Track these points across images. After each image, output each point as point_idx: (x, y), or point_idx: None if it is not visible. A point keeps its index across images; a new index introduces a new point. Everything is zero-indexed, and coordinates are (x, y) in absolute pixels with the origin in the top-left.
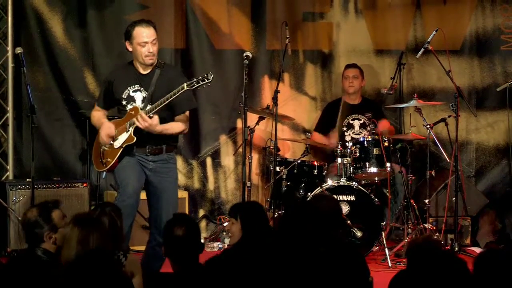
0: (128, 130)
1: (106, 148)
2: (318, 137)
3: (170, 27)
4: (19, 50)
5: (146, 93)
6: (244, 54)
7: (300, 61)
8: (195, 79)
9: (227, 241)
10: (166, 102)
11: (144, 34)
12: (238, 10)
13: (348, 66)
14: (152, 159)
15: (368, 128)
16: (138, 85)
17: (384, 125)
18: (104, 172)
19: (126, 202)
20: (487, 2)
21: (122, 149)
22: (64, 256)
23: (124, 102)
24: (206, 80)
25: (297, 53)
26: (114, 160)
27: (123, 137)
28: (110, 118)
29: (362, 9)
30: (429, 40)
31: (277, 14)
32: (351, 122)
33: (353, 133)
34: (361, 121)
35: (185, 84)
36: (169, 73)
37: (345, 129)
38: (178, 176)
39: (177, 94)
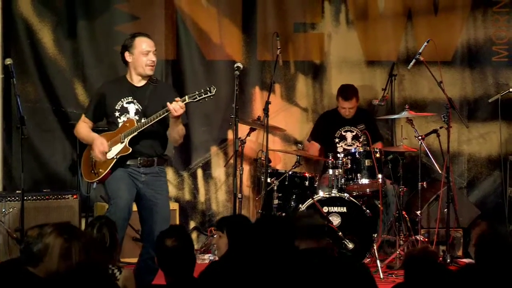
0: (123, 141)
1: (94, 159)
2: (314, 149)
3: (161, 38)
4: (8, 61)
5: (139, 105)
6: (235, 65)
7: (291, 72)
8: (197, 92)
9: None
10: (165, 114)
11: (147, 44)
12: (229, 21)
13: (344, 97)
14: (144, 171)
15: (361, 140)
16: (131, 97)
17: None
18: (95, 183)
19: (118, 215)
20: (479, 13)
21: (115, 159)
22: (45, 267)
23: (117, 114)
24: (209, 93)
25: (288, 64)
26: (107, 171)
27: (117, 148)
28: (99, 131)
29: (354, 20)
30: (420, 51)
31: (268, 25)
32: (343, 133)
33: (345, 144)
34: (354, 133)
35: (187, 96)
36: (162, 89)
37: (337, 140)
38: (168, 189)
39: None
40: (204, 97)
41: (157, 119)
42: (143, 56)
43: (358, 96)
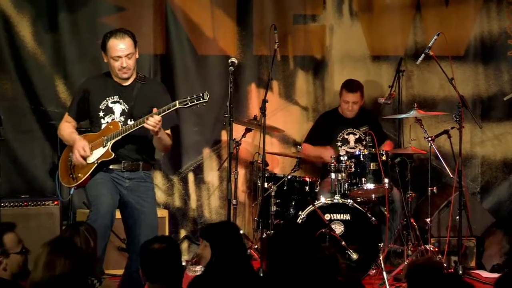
0: (105, 145)
1: (74, 163)
2: (309, 149)
3: (149, 31)
4: None
5: (126, 105)
6: (229, 60)
7: (290, 68)
8: (189, 97)
9: None
10: (140, 126)
11: (118, 47)
12: (222, 13)
13: (349, 89)
14: (128, 176)
15: (364, 143)
16: (117, 96)
17: (387, 147)
18: (73, 188)
19: (99, 222)
20: (493, 4)
21: (96, 164)
22: (31, 277)
23: (101, 114)
24: (201, 99)
25: (287, 59)
26: (86, 176)
27: (98, 152)
28: (82, 131)
29: (358, 12)
30: (430, 45)
31: (265, 16)
32: (346, 136)
33: (348, 148)
34: (357, 136)
35: (177, 102)
36: (151, 87)
37: (339, 144)
38: (155, 195)
39: (167, 112)
40: (196, 104)
41: (135, 128)
42: (114, 61)
43: (363, 92)
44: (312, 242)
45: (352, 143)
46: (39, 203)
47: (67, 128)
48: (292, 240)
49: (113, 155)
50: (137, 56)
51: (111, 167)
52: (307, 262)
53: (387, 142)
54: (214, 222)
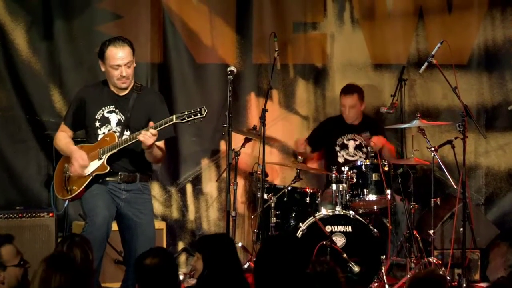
0: (101, 158)
1: (72, 174)
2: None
3: (146, 39)
4: None
5: (122, 115)
6: (228, 69)
7: (290, 77)
8: (186, 112)
9: None
10: (135, 140)
11: (117, 56)
12: (221, 21)
13: (345, 92)
14: (125, 187)
15: (364, 150)
16: (113, 106)
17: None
18: (67, 201)
19: (94, 234)
20: (497, 12)
21: (91, 177)
22: None
23: (97, 124)
24: (199, 114)
25: (287, 68)
26: (81, 189)
27: (94, 165)
28: (77, 141)
29: (359, 19)
30: (433, 53)
31: (264, 24)
32: (345, 142)
33: (346, 154)
34: (357, 142)
35: (174, 116)
36: (148, 98)
37: (338, 148)
38: (153, 207)
39: (164, 126)
40: (194, 119)
41: (131, 142)
42: (113, 70)
43: (362, 96)
44: (306, 255)
45: (351, 149)
46: (34, 214)
47: (63, 138)
48: (282, 254)
49: (108, 168)
50: (134, 65)
51: (107, 179)
52: (301, 277)
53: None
54: (208, 234)
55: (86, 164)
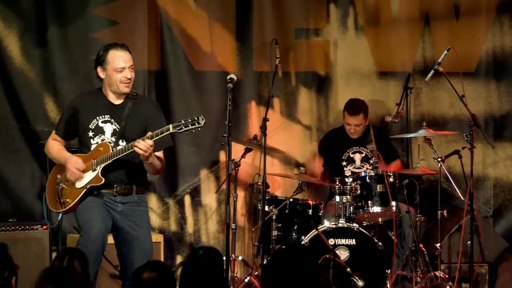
0: (95, 169)
1: (65, 186)
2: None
3: (143, 46)
4: None
5: (117, 125)
6: (228, 77)
7: (292, 85)
8: (183, 122)
9: None
10: (130, 150)
11: (121, 59)
12: (221, 26)
13: (350, 112)
14: (121, 200)
15: (371, 162)
16: (108, 116)
17: (396, 166)
18: (60, 214)
19: (89, 248)
20: (505, 18)
21: (85, 189)
22: None
23: (91, 134)
24: (196, 124)
25: (289, 76)
26: (75, 201)
27: (88, 177)
28: (71, 151)
29: (363, 25)
30: (439, 60)
31: (265, 30)
32: (351, 155)
33: (354, 168)
34: (363, 154)
35: (170, 126)
36: (144, 107)
37: (344, 163)
38: (150, 219)
39: (160, 136)
40: (191, 128)
41: (126, 152)
42: (116, 73)
43: (367, 113)
44: (314, 270)
45: (358, 162)
46: (27, 227)
47: (55, 145)
48: (291, 267)
49: (103, 180)
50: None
51: (102, 191)
52: None
53: (397, 162)
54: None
55: (83, 167)
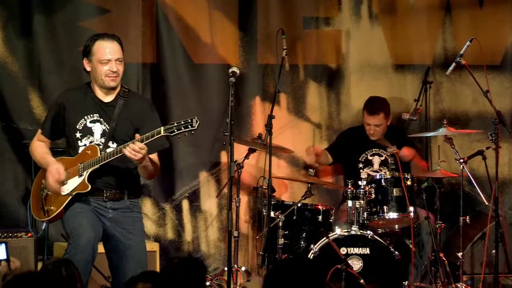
0: (82, 175)
1: (49, 193)
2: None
3: (137, 36)
4: None
5: (107, 125)
6: (230, 70)
7: (301, 79)
8: (175, 124)
9: None
10: (120, 154)
11: (107, 50)
12: (222, 15)
13: (369, 111)
14: (112, 206)
15: (392, 166)
16: (97, 115)
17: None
18: (45, 223)
19: (78, 257)
20: None
21: (71, 197)
22: None
23: (78, 135)
24: (190, 127)
25: (297, 69)
26: (60, 210)
27: (73, 182)
28: (57, 151)
29: (378, 14)
30: (461, 52)
31: (271, 20)
32: (369, 158)
33: (371, 171)
34: (382, 158)
35: (162, 129)
36: (136, 105)
37: (360, 165)
38: (144, 227)
39: (150, 140)
40: (184, 131)
41: (115, 156)
42: (101, 66)
43: (388, 112)
44: (321, 281)
45: (376, 166)
46: (10, 234)
47: (39, 147)
48: (295, 280)
49: (90, 187)
50: (123, 64)
51: (91, 197)
52: None
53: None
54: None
55: (62, 178)
